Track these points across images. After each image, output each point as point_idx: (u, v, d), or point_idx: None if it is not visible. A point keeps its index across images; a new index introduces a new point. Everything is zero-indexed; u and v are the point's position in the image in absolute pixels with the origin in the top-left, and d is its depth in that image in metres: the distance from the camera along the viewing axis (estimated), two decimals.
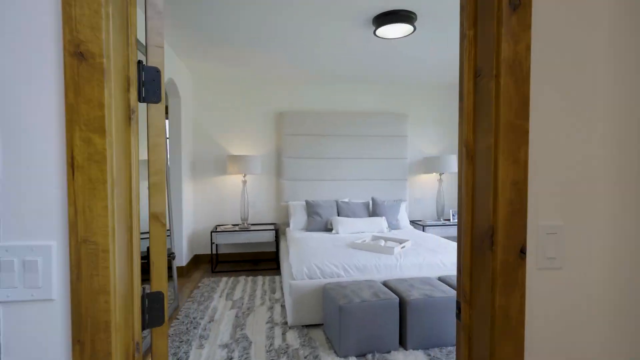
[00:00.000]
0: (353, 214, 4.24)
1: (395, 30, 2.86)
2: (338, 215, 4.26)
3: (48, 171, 0.67)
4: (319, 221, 4.14)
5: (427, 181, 5.00)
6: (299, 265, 2.76)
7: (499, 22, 0.77)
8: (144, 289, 0.87)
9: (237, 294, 3.38)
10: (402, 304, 2.34)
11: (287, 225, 4.56)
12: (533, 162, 0.81)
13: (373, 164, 4.74)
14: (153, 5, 0.82)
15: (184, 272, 3.99)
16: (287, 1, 2.54)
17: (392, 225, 4.25)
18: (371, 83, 4.80)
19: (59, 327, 0.68)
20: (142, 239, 0.84)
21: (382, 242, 3.28)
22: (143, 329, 0.84)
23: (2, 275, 0.67)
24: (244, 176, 4.35)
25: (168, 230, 3.15)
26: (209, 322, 2.76)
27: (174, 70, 3.64)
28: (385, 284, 2.67)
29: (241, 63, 3.92)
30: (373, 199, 4.37)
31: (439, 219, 4.71)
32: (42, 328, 0.68)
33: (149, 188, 0.86)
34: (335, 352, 2.27)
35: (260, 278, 3.86)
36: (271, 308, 3.01)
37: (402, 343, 2.35)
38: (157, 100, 0.86)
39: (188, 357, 2.24)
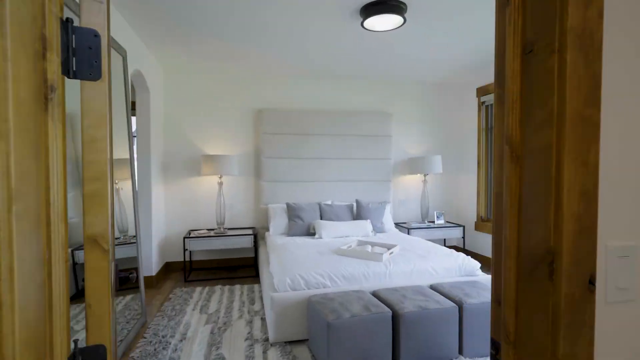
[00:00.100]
0: (337, 217, 4.03)
1: (384, 22, 2.67)
2: (321, 219, 4.04)
3: None
4: (301, 225, 3.91)
5: (412, 182, 4.87)
6: (281, 275, 2.52)
7: None
8: (75, 342, 0.62)
9: (213, 306, 3.10)
10: (395, 318, 2.15)
11: (267, 229, 4.30)
12: (602, 166, 0.62)
13: (357, 165, 4.55)
14: None
15: (153, 282, 3.65)
16: None
17: (377, 229, 4.08)
18: (356, 80, 4.61)
19: None
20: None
21: (369, 248, 3.09)
22: None
23: None
24: (220, 177, 4.06)
25: (134, 237, 2.82)
26: (181, 340, 2.47)
27: (142, 61, 3.31)
28: (375, 294, 2.47)
29: (217, 57, 3.63)
30: (357, 201, 4.18)
31: (423, 221, 4.59)
32: None
33: (83, 200, 0.61)
34: None
35: (237, 287, 3.58)
36: (250, 322, 2.75)
37: (396, 359, 2.16)
38: (97, 76, 0.61)
39: None
